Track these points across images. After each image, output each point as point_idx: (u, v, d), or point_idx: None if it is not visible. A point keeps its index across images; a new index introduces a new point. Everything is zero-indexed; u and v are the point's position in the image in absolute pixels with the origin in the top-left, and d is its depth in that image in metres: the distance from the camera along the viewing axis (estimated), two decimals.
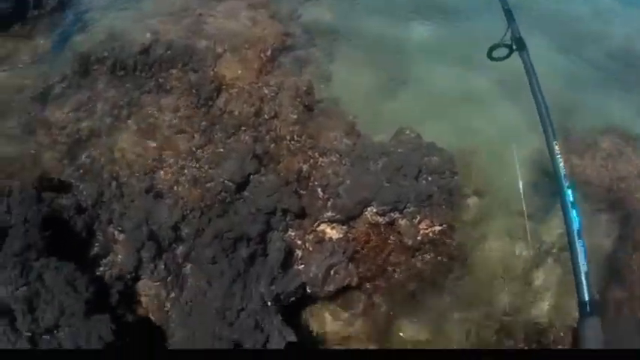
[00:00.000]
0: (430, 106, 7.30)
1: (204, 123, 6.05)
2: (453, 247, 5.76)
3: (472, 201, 6.32)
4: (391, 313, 5.56)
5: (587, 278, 1.21)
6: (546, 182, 5.70)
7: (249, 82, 6.62)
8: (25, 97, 6.35)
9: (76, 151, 5.84)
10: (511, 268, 5.93)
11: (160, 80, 6.64)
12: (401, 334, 5.46)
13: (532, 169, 5.83)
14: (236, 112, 6.21)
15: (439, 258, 5.68)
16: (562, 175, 1.35)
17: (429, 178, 5.67)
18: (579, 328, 1.20)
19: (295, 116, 6.22)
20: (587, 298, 1.20)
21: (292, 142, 6.03)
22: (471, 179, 6.33)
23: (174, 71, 6.77)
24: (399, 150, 5.78)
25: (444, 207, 5.60)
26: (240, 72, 6.74)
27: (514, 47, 2.18)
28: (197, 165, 5.67)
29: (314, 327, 5.60)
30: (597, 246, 6.13)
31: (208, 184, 5.46)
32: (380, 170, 5.59)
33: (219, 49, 6.97)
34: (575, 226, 1.30)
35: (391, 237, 5.58)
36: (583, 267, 1.23)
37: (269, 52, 7.22)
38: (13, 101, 6.33)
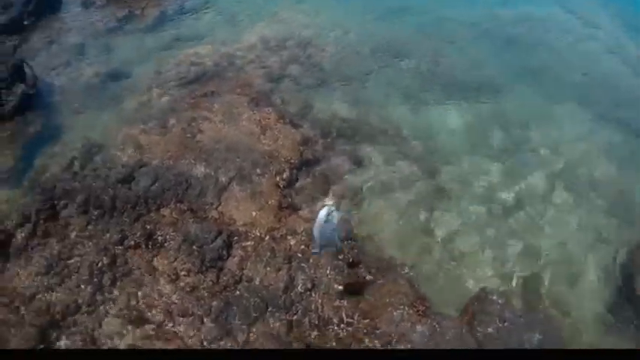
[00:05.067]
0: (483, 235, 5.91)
1: (214, 303, 4.57)
2: None
3: None
4: None
5: None
6: None
7: (267, 229, 5.08)
8: None
9: (50, 334, 4.38)
10: None
11: (148, 227, 5.10)
12: None
13: None
14: (257, 281, 4.69)
15: None
16: None
17: None
18: None
19: (340, 286, 4.74)
20: None
21: (341, 327, 4.57)
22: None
23: (165, 212, 5.22)
24: (493, 336, 4.35)
25: None
26: (254, 214, 5.19)
27: None
28: None
29: None
30: None
31: None
32: None
33: (223, 178, 5.42)
34: None
35: None
36: None
37: (286, 175, 5.65)
38: None
